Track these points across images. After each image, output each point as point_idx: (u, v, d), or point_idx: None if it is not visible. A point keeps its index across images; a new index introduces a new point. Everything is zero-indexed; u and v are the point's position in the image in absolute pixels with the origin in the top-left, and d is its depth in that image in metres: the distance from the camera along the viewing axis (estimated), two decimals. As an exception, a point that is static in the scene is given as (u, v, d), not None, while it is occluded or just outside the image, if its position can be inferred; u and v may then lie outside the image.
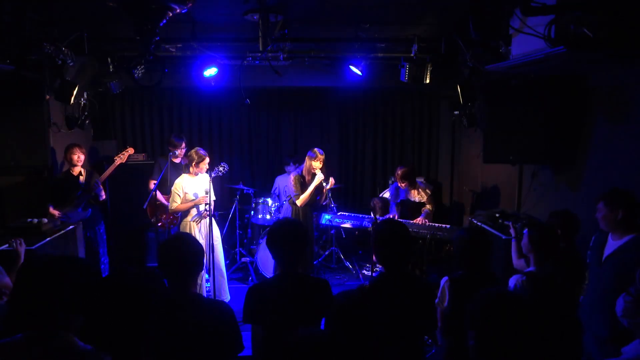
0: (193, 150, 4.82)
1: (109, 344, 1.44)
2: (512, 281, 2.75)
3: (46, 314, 1.58)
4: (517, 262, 3.41)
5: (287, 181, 5.28)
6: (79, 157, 4.89)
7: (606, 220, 2.87)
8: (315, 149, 4.94)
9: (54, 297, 1.58)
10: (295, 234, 2.48)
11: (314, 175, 4.88)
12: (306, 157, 4.95)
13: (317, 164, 4.87)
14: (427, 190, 5.33)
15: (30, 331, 1.58)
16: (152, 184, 5.48)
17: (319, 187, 4.93)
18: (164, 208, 5.43)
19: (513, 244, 3.50)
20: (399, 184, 5.28)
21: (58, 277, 1.61)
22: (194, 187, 4.77)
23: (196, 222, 4.80)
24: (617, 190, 2.88)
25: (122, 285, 1.48)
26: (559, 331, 2.54)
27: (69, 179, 4.90)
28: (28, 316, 1.59)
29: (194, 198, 4.73)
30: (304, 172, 4.94)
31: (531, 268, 2.80)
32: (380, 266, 2.55)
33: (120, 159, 5.19)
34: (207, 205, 4.60)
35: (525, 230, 3.48)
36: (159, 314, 2.04)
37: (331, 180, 5.01)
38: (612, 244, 2.88)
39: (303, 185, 4.90)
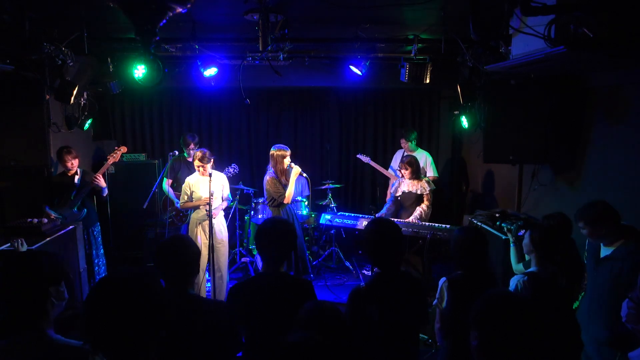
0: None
1: (108, 344, 1.43)
2: (514, 281, 2.75)
3: (20, 302, 1.63)
4: (516, 266, 3.41)
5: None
6: (72, 164, 4.88)
7: (592, 237, 2.92)
8: (277, 146, 4.83)
9: (27, 287, 1.64)
10: (282, 233, 2.46)
11: (288, 171, 4.79)
12: (273, 158, 4.77)
13: (287, 159, 4.78)
14: (431, 184, 5.31)
15: (14, 335, 1.61)
16: (168, 184, 5.52)
17: (298, 178, 4.88)
18: (174, 205, 5.48)
19: (512, 248, 3.50)
20: (403, 172, 5.24)
21: (22, 268, 1.68)
22: (205, 186, 4.71)
23: (201, 222, 4.78)
24: (590, 206, 2.88)
25: (119, 285, 1.48)
26: (560, 332, 2.55)
27: (64, 180, 4.89)
28: (6, 310, 1.63)
29: (201, 197, 4.73)
30: (276, 172, 4.78)
31: (533, 268, 2.80)
32: (375, 267, 2.52)
33: (113, 157, 5.19)
34: (209, 206, 4.58)
35: (522, 232, 3.49)
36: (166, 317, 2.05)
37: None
38: (605, 249, 2.91)
39: (282, 184, 4.79)
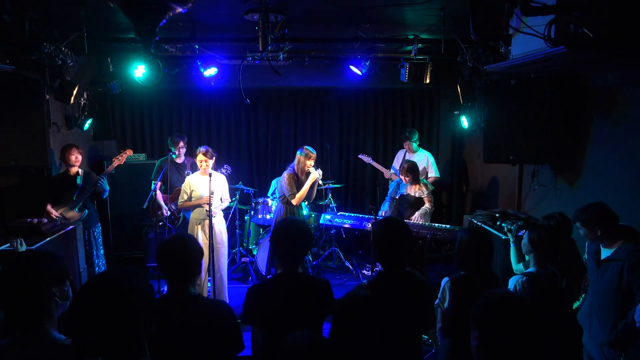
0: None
1: (99, 346, 1.44)
2: (512, 282, 2.75)
3: (27, 304, 1.62)
4: (516, 266, 3.41)
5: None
6: (76, 157, 4.88)
7: (589, 238, 2.93)
8: (307, 147, 4.87)
9: (30, 285, 1.63)
10: (301, 233, 2.46)
11: (308, 173, 4.84)
12: (298, 156, 4.84)
13: (310, 162, 4.82)
14: (429, 186, 5.34)
15: (17, 334, 1.61)
16: (157, 187, 5.50)
17: (314, 184, 4.91)
18: (162, 208, 5.44)
19: (512, 248, 3.50)
20: (403, 178, 5.26)
21: (28, 267, 1.67)
22: (205, 186, 4.71)
23: (202, 222, 4.79)
24: (588, 208, 2.89)
25: (106, 285, 1.49)
26: (559, 333, 2.55)
27: (66, 180, 4.89)
28: (12, 312, 1.63)
29: (201, 197, 4.74)
30: (296, 170, 4.84)
31: (532, 269, 2.80)
32: (379, 265, 2.53)
33: (119, 160, 5.17)
34: (206, 206, 4.58)
35: (522, 232, 3.49)
36: (158, 314, 2.05)
37: (320, 172, 4.90)
38: (605, 250, 2.91)
39: (298, 183, 4.84)
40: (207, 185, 4.54)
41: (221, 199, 4.89)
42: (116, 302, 1.43)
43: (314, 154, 4.84)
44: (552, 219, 3.32)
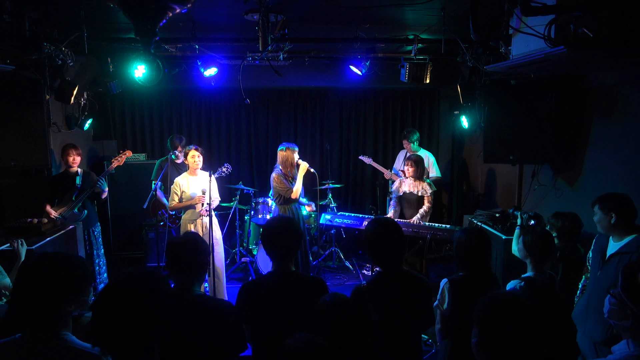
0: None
1: (113, 345, 1.44)
2: (510, 287, 2.73)
3: (44, 310, 1.60)
4: (516, 246, 3.39)
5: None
6: (74, 158, 4.88)
7: (602, 224, 2.92)
8: (285, 143, 4.95)
9: (51, 292, 1.60)
10: (288, 231, 2.46)
11: (296, 166, 4.89)
12: (280, 154, 4.89)
13: (295, 155, 4.88)
14: (432, 186, 5.32)
15: (29, 330, 1.60)
16: (153, 185, 5.48)
17: (308, 174, 4.94)
18: (165, 208, 5.44)
19: (516, 230, 3.49)
20: (407, 168, 5.22)
21: (54, 272, 1.63)
22: (194, 186, 4.76)
23: (194, 221, 4.79)
24: (610, 194, 2.91)
25: (129, 288, 1.49)
26: (558, 336, 2.55)
27: (66, 180, 4.89)
28: (27, 314, 1.61)
29: (192, 197, 4.74)
30: (282, 168, 4.89)
31: (529, 274, 2.79)
32: (377, 266, 2.53)
33: (118, 161, 5.17)
34: (205, 205, 4.59)
35: (532, 222, 3.49)
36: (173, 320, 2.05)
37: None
38: (613, 245, 2.90)
39: (288, 180, 4.87)
40: (196, 185, 4.65)
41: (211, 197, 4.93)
42: (134, 306, 1.43)
43: (296, 148, 4.93)
44: (560, 218, 3.32)
